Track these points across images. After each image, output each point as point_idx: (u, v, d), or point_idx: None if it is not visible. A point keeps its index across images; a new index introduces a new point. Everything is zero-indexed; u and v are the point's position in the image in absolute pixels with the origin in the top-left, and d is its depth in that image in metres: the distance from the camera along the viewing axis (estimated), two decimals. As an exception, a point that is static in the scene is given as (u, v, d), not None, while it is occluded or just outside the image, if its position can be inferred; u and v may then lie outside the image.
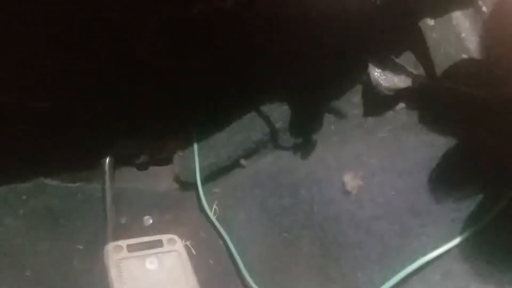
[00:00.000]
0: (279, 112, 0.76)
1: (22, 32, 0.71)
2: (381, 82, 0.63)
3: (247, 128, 0.78)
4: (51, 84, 0.78)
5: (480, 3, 0.53)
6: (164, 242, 0.74)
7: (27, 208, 0.81)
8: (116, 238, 0.75)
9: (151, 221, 0.82)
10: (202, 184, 0.80)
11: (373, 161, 0.64)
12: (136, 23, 0.72)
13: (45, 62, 0.74)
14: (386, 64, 0.63)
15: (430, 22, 0.58)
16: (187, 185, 0.83)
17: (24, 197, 0.82)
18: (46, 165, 0.84)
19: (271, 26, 0.66)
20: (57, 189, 0.83)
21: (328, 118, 0.73)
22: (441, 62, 0.58)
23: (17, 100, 0.75)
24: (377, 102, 0.66)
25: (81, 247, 0.75)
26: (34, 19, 0.72)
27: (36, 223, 0.79)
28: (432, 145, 0.61)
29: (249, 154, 0.80)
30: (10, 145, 0.80)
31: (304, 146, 0.74)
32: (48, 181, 0.83)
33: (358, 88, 0.70)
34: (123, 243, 0.72)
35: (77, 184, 0.84)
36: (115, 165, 0.83)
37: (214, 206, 0.78)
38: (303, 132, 0.75)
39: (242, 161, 0.81)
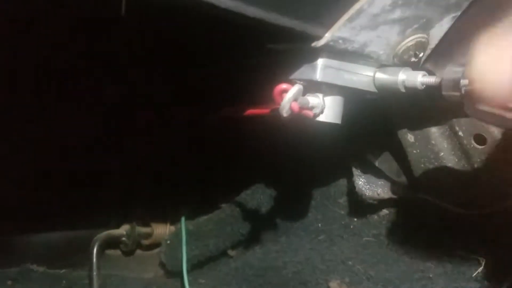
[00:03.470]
0: (268, 207, 0.78)
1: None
2: (365, 192, 0.65)
3: (236, 220, 0.79)
4: (44, 172, 0.79)
5: (456, 128, 0.57)
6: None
7: (12, 294, 0.80)
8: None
9: (135, 310, 0.81)
10: (188, 273, 0.80)
11: (359, 268, 0.65)
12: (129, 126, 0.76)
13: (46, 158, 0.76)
14: (370, 173, 0.66)
15: (411, 138, 0.61)
16: (173, 274, 0.83)
17: (9, 282, 0.81)
18: (33, 250, 0.84)
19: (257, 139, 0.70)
20: (43, 275, 0.82)
21: (315, 216, 0.74)
22: (422, 176, 0.60)
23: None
24: (362, 206, 0.68)
25: (63, 337, 0.74)
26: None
27: (21, 309, 0.78)
28: (414, 256, 0.62)
29: (237, 245, 0.81)
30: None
31: (292, 242, 0.75)
32: (34, 266, 0.83)
33: (344, 189, 0.72)
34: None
35: (62, 270, 0.83)
36: (102, 251, 0.83)
37: (200, 299, 0.77)
38: (291, 227, 0.77)
39: (230, 252, 0.82)
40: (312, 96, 0.45)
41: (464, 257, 0.58)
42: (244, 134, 0.68)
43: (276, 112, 0.44)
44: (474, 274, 0.56)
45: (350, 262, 0.66)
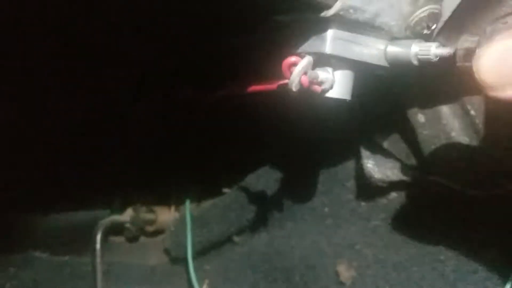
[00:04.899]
0: (273, 192, 0.76)
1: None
2: (374, 174, 0.63)
3: (241, 206, 0.78)
4: (45, 156, 0.78)
5: (468, 107, 0.55)
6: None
7: (15, 281, 0.80)
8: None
9: (139, 297, 0.80)
10: (193, 259, 0.79)
11: (367, 252, 0.63)
12: (128, 104, 0.75)
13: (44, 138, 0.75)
14: (379, 156, 0.64)
15: (421, 119, 0.59)
16: (178, 260, 0.82)
17: (12, 269, 0.81)
18: (36, 237, 0.83)
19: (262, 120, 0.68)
20: (46, 263, 0.82)
21: (322, 200, 0.73)
22: (432, 157, 0.59)
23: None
24: (370, 189, 0.67)
25: (66, 324, 0.74)
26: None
27: (23, 297, 0.78)
28: (424, 239, 0.61)
29: (243, 231, 0.80)
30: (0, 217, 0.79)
31: (298, 227, 0.74)
32: (37, 253, 0.82)
33: (352, 172, 0.71)
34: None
35: (66, 257, 0.83)
36: (105, 237, 0.83)
37: (205, 286, 0.76)
38: (298, 212, 0.75)
39: (235, 238, 0.81)
40: (322, 70, 0.43)
41: (476, 239, 0.56)
42: (248, 114, 0.67)
43: (284, 87, 0.43)
44: (487, 256, 0.54)
45: (358, 246, 0.65)
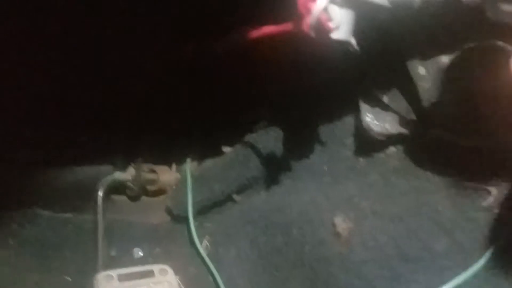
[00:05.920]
0: (273, 150, 0.77)
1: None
2: (373, 127, 0.64)
3: (241, 164, 0.79)
4: (47, 112, 0.79)
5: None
6: (156, 272, 0.73)
7: (18, 237, 0.81)
8: (106, 269, 0.74)
9: (141, 254, 0.81)
10: (194, 218, 0.80)
11: (365, 204, 0.64)
12: (134, 62, 0.74)
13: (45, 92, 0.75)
14: (378, 109, 0.65)
15: (421, 71, 0.59)
16: (179, 218, 0.83)
17: (15, 226, 0.82)
18: (38, 194, 0.84)
19: (260, 68, 0.68)
20: (49, 219, 0.82)
21: (321, 158, 0.73)
22: (432, 111, 0.59)
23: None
24: (369, 145, 0.67)
25: (69, 278, 0.75)
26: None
27: (26, 253, 0.79)
28: (422, 191, 0.61)
29: (243, 189, 0.81)
30: (2, 173, 0.80)
31: (297, 184, 0.75)
32: (40, 210, 0.83)
33: (351, 129, 0.71)
34: (114, 272, 0.71)
35: (68, 215, 0.83)
36: (107, 195, 0.83)
37: (206, 242, 0.78)
38: (297, 170, 0.76)
39: (235, 196, 0.81)
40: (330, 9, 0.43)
41: (473, 188, 0.57)
42: (247, 71, 0.67)
43: (299, 26, 0.42)
44: (483, 204, 0.55)
45: (355, 199, 0.66)
